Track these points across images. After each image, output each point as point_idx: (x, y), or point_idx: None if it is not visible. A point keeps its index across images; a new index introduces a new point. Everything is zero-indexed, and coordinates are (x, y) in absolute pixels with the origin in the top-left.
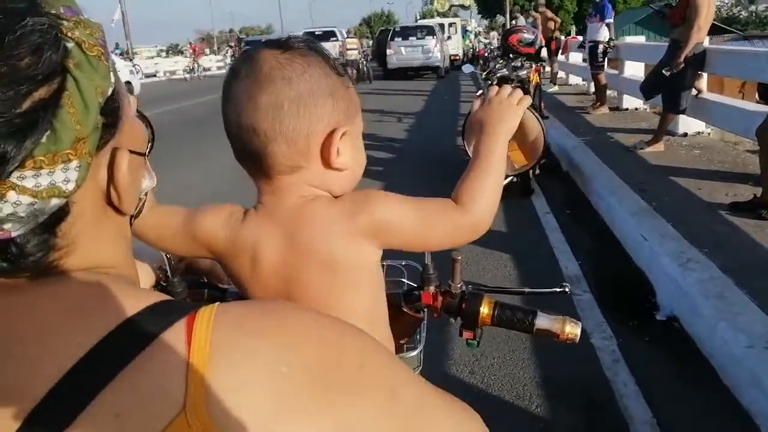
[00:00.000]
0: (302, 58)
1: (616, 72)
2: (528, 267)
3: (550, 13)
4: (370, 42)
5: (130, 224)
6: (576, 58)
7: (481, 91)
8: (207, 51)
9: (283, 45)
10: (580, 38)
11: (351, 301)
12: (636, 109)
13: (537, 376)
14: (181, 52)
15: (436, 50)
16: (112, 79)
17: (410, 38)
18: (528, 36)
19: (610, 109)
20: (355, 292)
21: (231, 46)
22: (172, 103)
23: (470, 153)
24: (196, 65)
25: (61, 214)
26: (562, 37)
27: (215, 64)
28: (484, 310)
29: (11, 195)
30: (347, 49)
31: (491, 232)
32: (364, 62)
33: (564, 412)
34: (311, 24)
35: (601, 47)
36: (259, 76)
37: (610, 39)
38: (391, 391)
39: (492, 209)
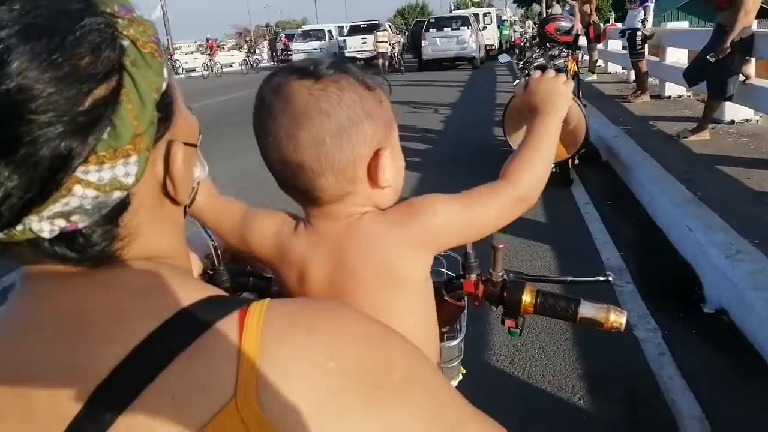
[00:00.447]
0: (335, 85)
1: (657, 59)
2: (568, 259)
3: None
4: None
5: (184, 213)
6: (615, 45)
7: (517, 81)
8: (244, 45)
9: (313, 73)
10: (620, 25)
11: (400, 318)
12: (679, 96)
13: (579, 368)
14: (218, 47)
15: (471, 40)
16: (166, 75)
17: (445, 29)
18: (565, 24)
19: (652, 97)
20: (404, 308)
21: (246, 41)
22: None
23: (511, 142)
24: (212, 62)
25: (122, 205)
26: (601, 24)
27: (256, 57)
28: (527, 298)
29: (77, 189)
30: (378, 42)
31: (530, 223)
32: (396, 54)
33: (607, 404)
34: (345, 16)
35: (639, 34)
36: (295, 113)
37: (644, 20)
38: (437, 401)
39: (540, 182)
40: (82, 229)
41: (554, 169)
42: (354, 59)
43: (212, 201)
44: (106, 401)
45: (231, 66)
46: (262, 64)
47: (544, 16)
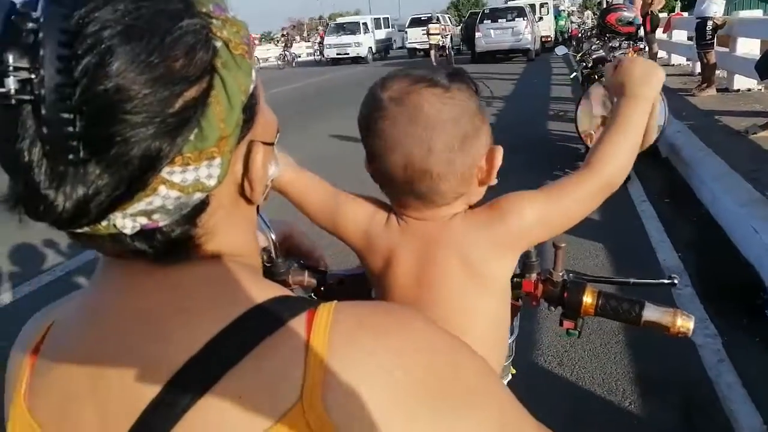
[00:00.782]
0: (460, 93)
1: (726, 50)
2: (623, 258)
3: None
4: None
5: (257, 212)
6: (680, 36)
7: (574, 74)
8: (297, 38)
9: (440, 83)
10: (686, 15)
11: (477, 317)
12: (748, 89)
13: (630, 372)
14: (273, 40)
15: (526, 32)
16: (254, 76)
17: (500, 20)
18: (628, 14)
19: (718, 90)
20: (484, 308)
21: (284, 35)
22: None
23: (584, 138)
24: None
25: (201, 206)
26: (663, 14)
27: (305, 50)
28: (588, 299)
29: (162, 189)
30: (430, 34)
31: (583, 220)
32: (448, 46)
33: (660, 410)
34: (398, 10)
35: (710, 23)
36: (430, 122)
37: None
38: (501, 413)
39: (624, 168)
40: (162, 227)
41: None
42: (414, 50)
43: (299, 178)
44: (178, 393)
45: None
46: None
47: (605, 5)
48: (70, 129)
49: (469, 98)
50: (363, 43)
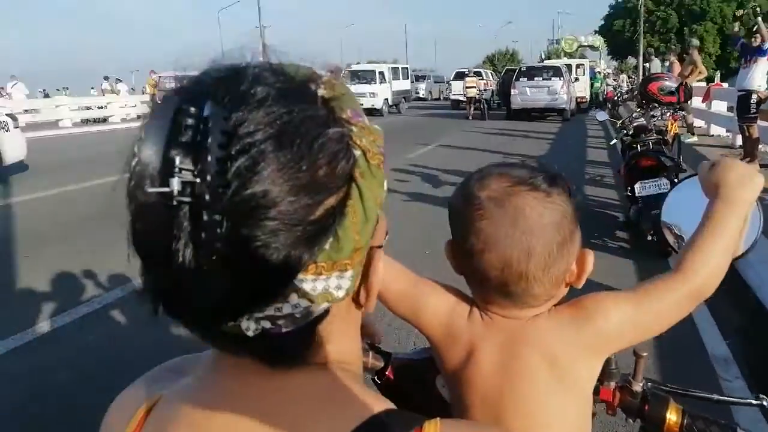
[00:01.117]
0: (559, 198)
1: None
2: (666, 346)
3: (696, 56)
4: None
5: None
6: (719, 106)
7: (614, 141)
8: None
9: (540, 186)
10: (725, 85)
11: (564, 419)
12: None
13: None
14: None
15: (562, 92)
16: (386, 186)
17: (536, 78)
18: (669, 84)
19: (762, 166)
20: (567, 411)
21: None
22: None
23: (671, 242)
24: None
25: (324, 314)
26: (701, 83)
27: None
28: (672, 417)
29: (293, 297)
30: (467, 87)
31: None
32: (483, 100)
33: None
34: (435, 61)
35: (754, 97)
36: (530, 225)
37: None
38: None
39: (718, 275)
40: (283, 332)
41: (653, 238)
42: (458, 101)
43: (384, 269)
44: None
45: None
46: None
47: (643, 71)
48: (219, 231)
49: (567, 202)
50: (378, 94)
